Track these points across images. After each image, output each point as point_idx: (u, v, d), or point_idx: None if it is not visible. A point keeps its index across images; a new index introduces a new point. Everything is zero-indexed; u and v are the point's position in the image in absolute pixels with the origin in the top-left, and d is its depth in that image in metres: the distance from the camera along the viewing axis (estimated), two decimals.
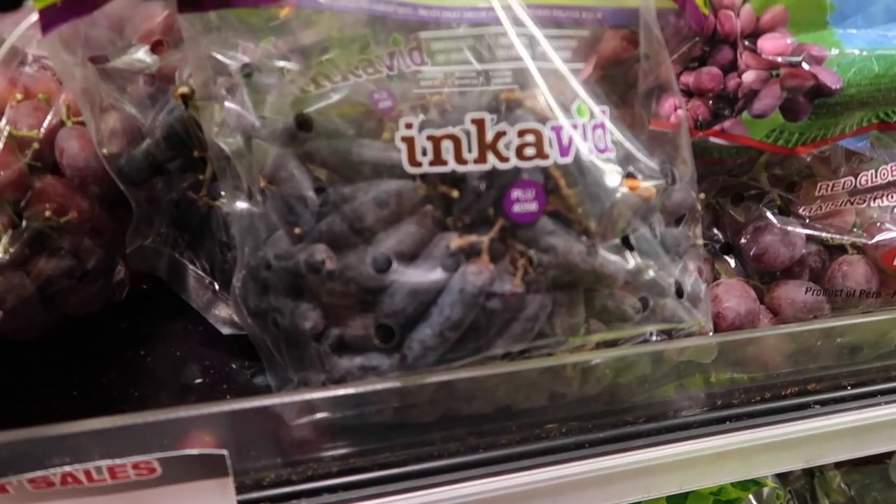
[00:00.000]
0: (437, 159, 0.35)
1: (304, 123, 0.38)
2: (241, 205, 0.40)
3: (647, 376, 0.42)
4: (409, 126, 0.35)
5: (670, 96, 0.44)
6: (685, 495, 0.68)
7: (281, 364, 0.40)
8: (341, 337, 0.37)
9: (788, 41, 0.47)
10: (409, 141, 0.35)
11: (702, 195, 0.47)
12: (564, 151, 0.36)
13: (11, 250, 0.44)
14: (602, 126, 0.38)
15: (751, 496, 0.70)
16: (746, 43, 0.48)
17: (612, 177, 0.37)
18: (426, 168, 0.35)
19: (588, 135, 0.37)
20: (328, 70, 0.39)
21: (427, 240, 0.36)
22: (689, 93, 0.50)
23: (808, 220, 0.53)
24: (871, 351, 0.49)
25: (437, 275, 0.35)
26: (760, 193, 0.55)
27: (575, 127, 0.36)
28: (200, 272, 0.51)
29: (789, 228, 0.52)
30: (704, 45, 0.49)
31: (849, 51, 0.46)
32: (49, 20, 0.36)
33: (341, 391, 0.35)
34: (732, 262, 0.55)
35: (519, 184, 0.35)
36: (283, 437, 0.37)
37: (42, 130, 0.45)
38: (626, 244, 0.39)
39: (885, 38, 0.47)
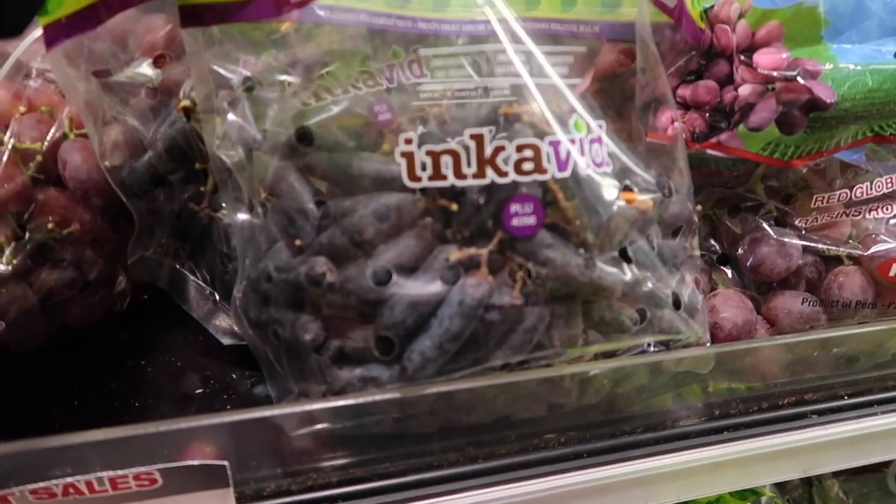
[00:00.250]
0: (437, 174, 0.36)
1: (304, 136, 0.38)
2: (242, 216, 0.41)
3: (645, 387, 0.43)
4: (408, 141, 0.36)
5: (667, 109, 0.45)
6: None
7: (281, 375, 0.41)
8: (341, 348, 0.37)
9: (784, 56, 0.47)
10: (409, 156, 0.36)
11: (699, 207, 0.48)
12: (562, 166, 0.36)
13: (14, 262, 0.44)
14: (599, 140, 0.38)
15: None
16: (742, 57, 0.48)
17: (610, 190, 0.38)
18: (425, 183, 0.36)
19: (585, 149, 0.37)
20: (329, 83, 0.40)
21: (426, 252, 0.37)
22: (686, 106, 0.50)
23: (804, 232, 0.54)
24: (867, 361, 0.49)
25: (436, 287, 0.36)
26: (757, 205, 0.55)
27: (572, 142, 0.37)
28: (201, 283, 0.51)
29: (786, 240, 0.52)
30: (701, 58, 0.49)
31: (843, 65, 0.47)
32: (53, 36, 0.36)
33: (341, 402, 0.35)
34: (729, 273, 0.55)
35: (517, 198, 0.36)
36: (284, 448, 0.37)
37: (45, 143, 0.46)
38: (624, 256, 0.39)
39: (878, 53, 0.47)
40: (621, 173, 0.40)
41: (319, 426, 0.36)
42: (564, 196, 0.36)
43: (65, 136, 0.47)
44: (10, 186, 0.44)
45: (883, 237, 0.52)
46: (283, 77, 0.40)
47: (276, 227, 0.39)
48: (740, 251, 0.54)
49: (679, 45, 0.47)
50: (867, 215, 0.53)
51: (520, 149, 0.36)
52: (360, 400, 0.35)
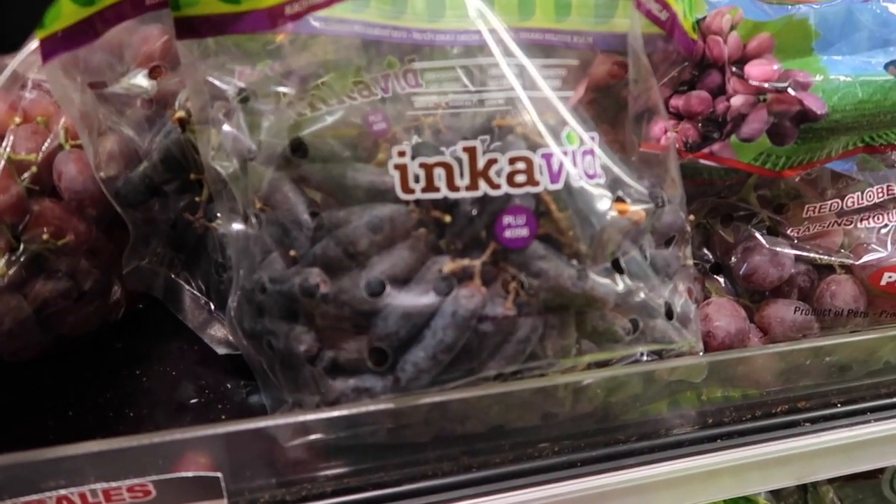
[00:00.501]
0: (430, 186, 0.36)
1: (298, 147, 0.38)
2: (237, 227, 0.41)
3: (639, 396, 0.43)
4: (401, 154, 0.36)
5: (659, 120, 0.45)
6: None
7: (276, 385, 0.41)
8: (335, 359, 0.37)
9: (775, 67, 0.48)
10: (402, 168, 0.36)
11: (692, 216, 0.48)
12: (555, 178, 0.37)
13: (9, 273, 0.44)
14: (591, 152, 0.39)
15: None
16: (734, 68, 0.49)
17: (602, 201, 0.38)
18: (419, 195, 0.36)
19: (578, 161, 0.38)
20: (324, 93, 0.40)
21: (420, 264, 0.37)
22: (679, 116, 0.51)
23: (796, 241, 0.54)
24: (860, 369, 0.50)
25: (429, 298, 0.36)
26: (750, 214, 0.55)
27: (565, 154, 0.37)
28: (196, 292, 0.51)
29: (778, 249, 0.53)
30: (694, 69, 0.50)
31: (833, 77, 0.47)
32: (50, 49, 0.37)
33: (335, 413, 0.35)
34: (722, 282, 0.56)
35: (510, 210, 0.36)
36: (278, 458, 0.37)
37: (41, 154, 0.46)
38: (617, 267, 0.39)
39: (868, 65, 0.48)
40: (614, 184, 0.40)
41: (314, 436, 0.36)
42: (557, 207, 0.36)
43: (60, 147, 0.47)
44: (4, 197, 0.44)
45: (874, 246, 0.53)
46: (278, 88, 0.40)
47: (270, 238, 0.39)
48: (733, 260, 0.54)
49: (672, 56, 0.48)
50: (859, 224, 0.54)
51: (512, 161, 0.36)
52: (354, 410, 0.35)
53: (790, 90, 0.47)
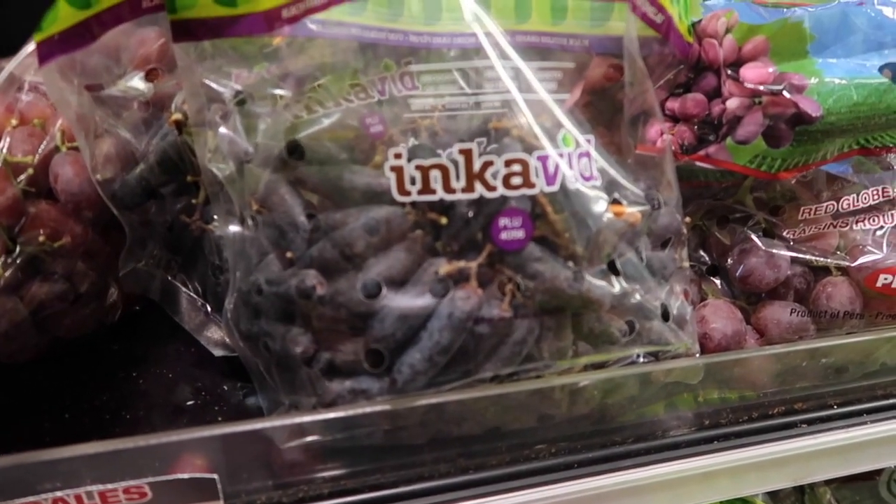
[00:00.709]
0: (426, 188, 0.36)
1: (295, 149, 0.38)
2: (234, 229, 0.41)
3: (635, 397, 0.43)
4: (398, 156, 0.36)
5: (655, 122, 0.45)
6: None
7: (272, 387, 0.41)
8: (332, 361, 0.37)
9: (770, 70, 0.48)
10: (398, 170, 0.36)
11: (688, 219, 0.48)
12: (550, 180, 0.37)
13: (5, 275, 0.44)
14: (587, 155, 0.39)
15: None
16: (729, 71, 0.49)
17: (598, 203, 0.38)
18: (415, 197, 0.36)
19: (574, 163, 0.38)
20: (320, 96, 0.40)
21: (416, 265, 0.37)
22: (675, 118, 0.51)
23: (792, 243, 0.54)
24: (856, 370, 0.50)
25: (426, 300, 0.36)
26: (746, 216, 0.56)
27: (561, 156, 0.37)
28: (193, 294, 0.51)
29: (774, 251, 0.53)
30: (689, 72, 0.50)
31: (828, 80, 0.48)
32: (47, 52, 0.37)
33: (332, 414, 0.35)
34: (719, 284, 0.56)
35: (506, 212, 0.36)
36: (275, 460, 0.37)
37: (37, 156, 0.46)
38: (613, 269, 0.39)
39: (863, 68, 0.48)
40: (610, 186, 0.40)
41: (310, 438, 0.36)
42: (553, 209, 0.37)
43: (56, 149, 0.47)
44: (0, 199, 0.44)
45: (870, 248, 0.53)
46: (275, 90, 0.41)
47: (266, 240, 0.39)
48: (729, 262, 0.55)
49: (667, 59, 0.48)
50: (854, 226, 0.54)
51: (508, 163, 0.36)
52: (351, 412, 0.35)
53: (785, 93, 0.47)
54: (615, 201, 0.40)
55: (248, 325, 0.39)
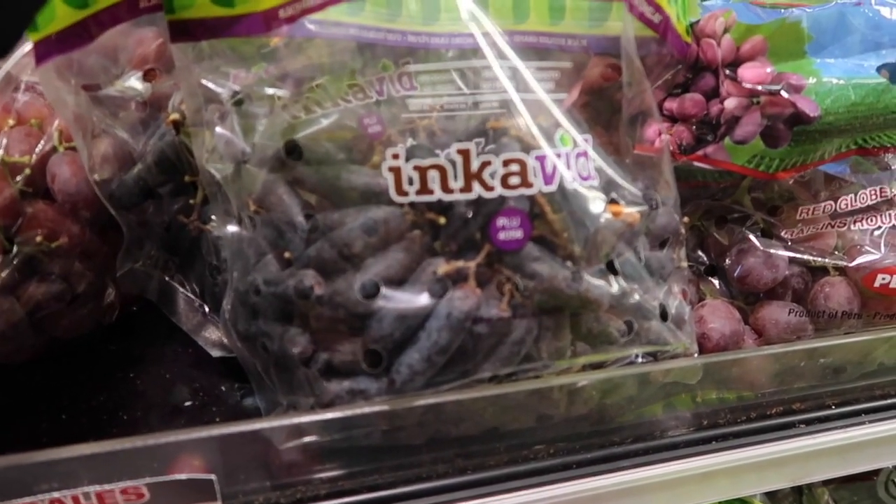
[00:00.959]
0: (424, 188, 0.36)
1: (293, 150, 0.38)
2: (232, 229, 0.41)
3: (634, 397, 0.43)
4: (395, 156, 0.36)
5: (653, 122, 0.45)
6: None
7: (270, 387, 0.41)
8: (330, 361, 0.37)
9: (768, 70, 0.48)
10: (396, 171, 0.36)
11: (686, 219, 0.48)
12: (548, 180, 0.37)
13: (2, 276, 0.44)
14: (585, 154, 0.39)
15: None
16: (727, 71, 0.49)
17: (596, 203, 0.38)
18: (413, 197, 0.36)
19: (571, 163, 0.38)
20: (319, 96, 0.40)
21: (414, 265, 0.37)
22: (673, 118, 0.51)
23: (790, 243, 0.54)
24: (854, 370, 0.50)
25: (424, 300, 0.36)
26: (744, 216, 0.56)
27: (558, 156, 0.37)
28: (191, 295, 0.51)
29: (772, 251, 0.53)
30: (687, 72, 0.50)
31: (826, 80, 0.48)
32: (44, 52, 0.37)
33: (330, 415, 0.35)
34: (717, 284, 0.56)
35: (504, 212, 0.36)
36: (273, 461, 0.37)
37: (34, 156, 0.46)
38: (611, 269, 0.39)
39: (861, 68, 0.48)
40: (608, 186, 0.40)
41: (308, 439, 0.36)
42: (551, 209, 0.37)
43: (54, 150, 0.47)
44: None
45: (868, 248, 0.53)
46: (273, 91, 0.40)
47: (264, 240, 0.39)
48: (727, 262, 0.55)
49: (665, 59, 0.48)
50: (852, 226, 0.54)
51: (506, 163, 0.36)
52: (349, 412, 0.35)
53: (783, 93, 0.47)
54: (613, 201, 0.40)
55: (245, 326, 0.39)
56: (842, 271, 0.54)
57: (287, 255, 0.38)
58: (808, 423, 0.47)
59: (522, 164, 0.36)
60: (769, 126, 0.49)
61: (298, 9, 0.39)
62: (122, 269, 0.51)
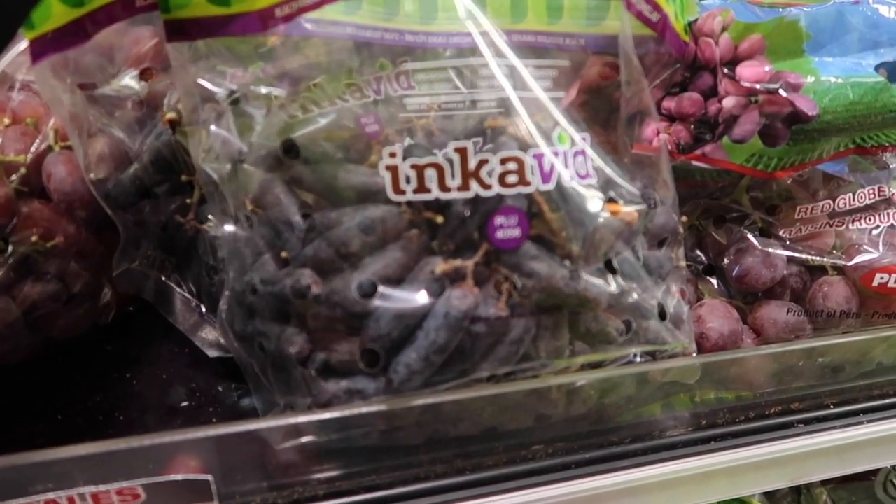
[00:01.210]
0: (421, 187, 0.36)
1: (290, 149, 0.38)
2: (229, 228, 0.41)
3: (632, 397, 0.43)
4: (392, 155, 0.36)
5: (651, 121, 0.45)
6: None
7: (267, 387, 0.40)
8: (327, 361, 0.37)
9: (766, 69, 0.48)
10: (393, 169, 0.36)
11: (684, 219, 0.48)
12: (546, 178, 0.37)
13: None
14: (583, 153, 0.39)
15: None
16: (726, 70, 0.49)
17: (594, 202, 0.38)
18: (410, 196, 0.36)
19: (569, 162, 0.38)
20: (316, 95, 0.40)
21: (412, 264, 0.37)
22: (671, 117, 0.51)
23: (788, 242, 0.54)
24: (852, 370, 0.50)
25: (422, 299, 0.36)
26: (742, 216, 0.56)
27: (556, 154, 0.37)
28: (187, 295, 0.51)
29: (770, 250, 0.53)
30: (686, 71, 0.50)
31: (824, 78, 0.48)
32: (39, 50, 0.36)
33: (327, 415, 0.35)
34: (715, 283, 0.56)
35: (502, 210, 0.36)
36: (269, 461, 0.37)
37: (30, 155, 0.46)
38: (609, 268, 0.39)
39: (859, 67, 0.48)
40: (606, 185, 0.40)
41: (305, 439, 0.36)
42: (549, 208, 0.36)
43: (49, 149, 0.47)
44: None
45: (866, 247, 0.53)
46: (270, 90, 0.40)
47: (261, 240, 0.39)
48: (726, 261, 0.55)
49: (663, 58, 0.48)
50: (850, 226, 0.54)
51: (504, 162, 0.36)
52: (346, 412, 0.35)
53: (781, 91, 0.47)
54: (611, 200, 0.40)
55: (242, 326, 0.39)
56: (840, 270, 0.54)
57: (284, 254, 0.38)
58: (806, 422, 0.47)
59: (520, 162, 0.36)
60: (767, 125, 0.49)
61: (295, 7, 0.39)
62: (119, 268, 0.51)
